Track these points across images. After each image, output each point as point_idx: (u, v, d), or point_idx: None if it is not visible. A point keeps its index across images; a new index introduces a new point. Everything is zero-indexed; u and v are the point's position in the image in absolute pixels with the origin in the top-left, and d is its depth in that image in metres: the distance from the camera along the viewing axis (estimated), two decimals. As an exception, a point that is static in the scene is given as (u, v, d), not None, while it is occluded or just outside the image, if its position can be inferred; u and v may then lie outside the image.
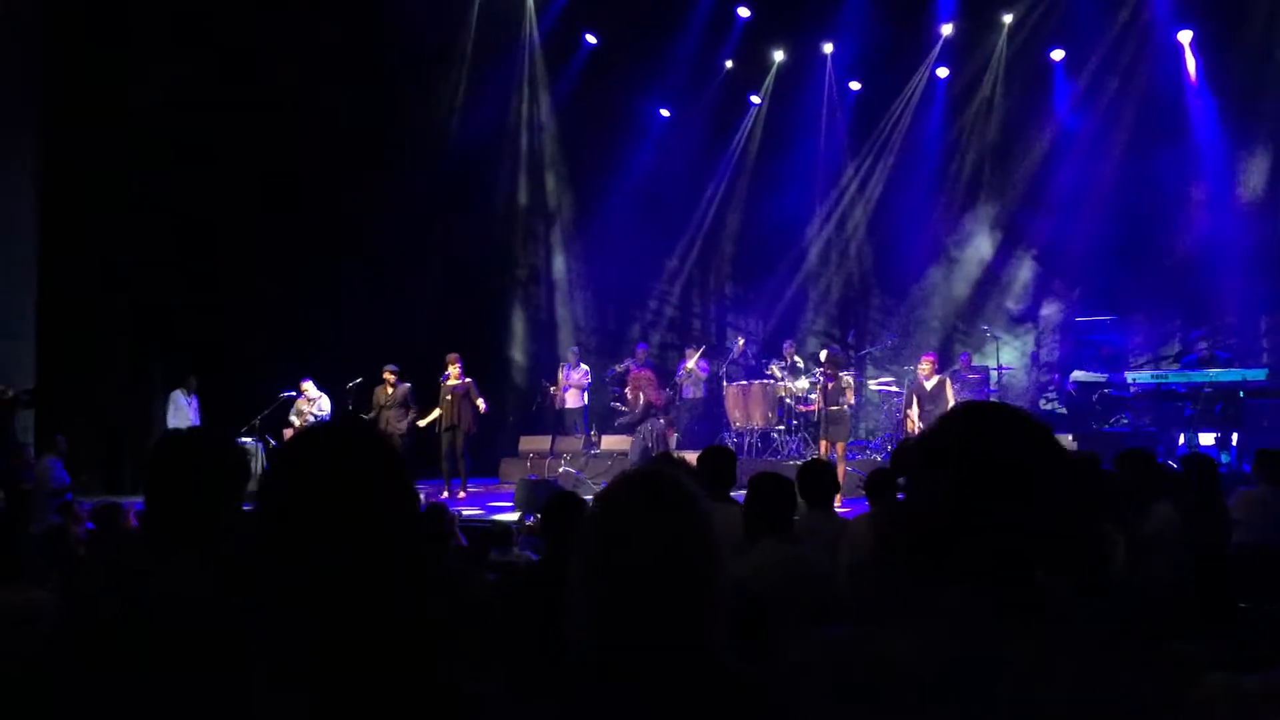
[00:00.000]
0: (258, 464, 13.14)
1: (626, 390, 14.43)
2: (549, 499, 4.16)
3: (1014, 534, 1.44)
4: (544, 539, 4.14)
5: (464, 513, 10.40)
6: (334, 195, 14.90)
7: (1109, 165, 15.07)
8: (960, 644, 1.40)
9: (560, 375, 14.87)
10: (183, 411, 13.86)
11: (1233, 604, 5.80)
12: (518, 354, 17.18)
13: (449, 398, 13.18)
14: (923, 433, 1.55)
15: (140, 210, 13.81)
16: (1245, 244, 13.77)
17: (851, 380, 12.85)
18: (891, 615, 1.46)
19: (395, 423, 13.16)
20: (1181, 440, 11.91)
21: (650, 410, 13.93)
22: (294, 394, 13.52)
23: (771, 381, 14.45)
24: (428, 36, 15.38)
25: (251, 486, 1.94)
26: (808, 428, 14.12)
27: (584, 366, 15.04)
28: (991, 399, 13.81)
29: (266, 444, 13.49)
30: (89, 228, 13.61)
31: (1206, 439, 11.73)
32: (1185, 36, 14.44)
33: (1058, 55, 15.48)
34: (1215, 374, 12.01)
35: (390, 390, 13.31)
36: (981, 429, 1.51)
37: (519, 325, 17.33)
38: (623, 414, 14.64)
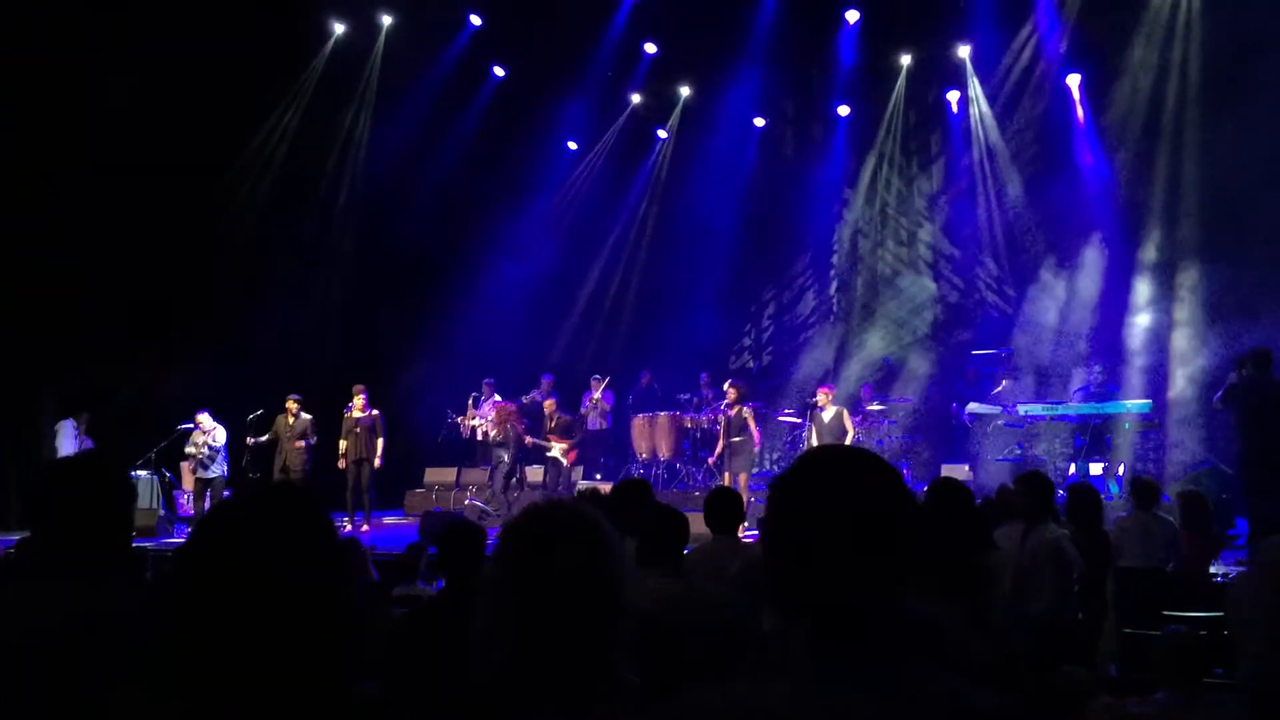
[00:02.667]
0: (154, 498, 12.83)
1: (491, 417, 14.00)
2: (443, 530, 4.12)
3: (867, 570, 1.47)
4: (441, 571, 4.11)
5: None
6: (239, 225, 14.67)
7: (1003, 201, 15.60)
8: (828, 689, 1.41)
9: (470, 407, 14.74)
10: (72, 442, 13.46)
11: (1115, 628, 6.02)
12: (424, 384, 17.01)
13: (357, 430, 13.04)
14: (776, 477, 1.58)
15: (33, 233, 13.39)
16: (1132, 280, 14.33)
17: (751, 412, 13.04)
18: (763, 665, 1.48)
19: (297, 453, 12.91)
20: (1072, 470, 12.30)
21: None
22: (191, 426, 13.22)
23: (677, 413, 14.57)
24: (334, 65, 15.33)
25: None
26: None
27: (497, 398, 14.94)
28: (889, 429, 14.11)
29: (162, 477, 13.17)
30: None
31: (1095, 468, 12.14)
32: (1074, 80, 15.02)
33: (953, 96, 15.98)
34: (1103, 405, 12.44)
35: (292, 420, 13.04)
36: (826, 473, 1.54)
37: (425, 354, 17.18)
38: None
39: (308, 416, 13.13)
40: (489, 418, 13.37)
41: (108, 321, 13.72)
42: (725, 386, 13.36)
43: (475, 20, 16.01)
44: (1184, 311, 13.70)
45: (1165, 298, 14.05)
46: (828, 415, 12.71)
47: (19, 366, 13.61)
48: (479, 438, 14.47)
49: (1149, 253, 14.30)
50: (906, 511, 1.51)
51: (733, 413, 12.65)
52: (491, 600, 1.71)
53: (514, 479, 13.27)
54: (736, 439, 12.51)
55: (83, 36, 12.94)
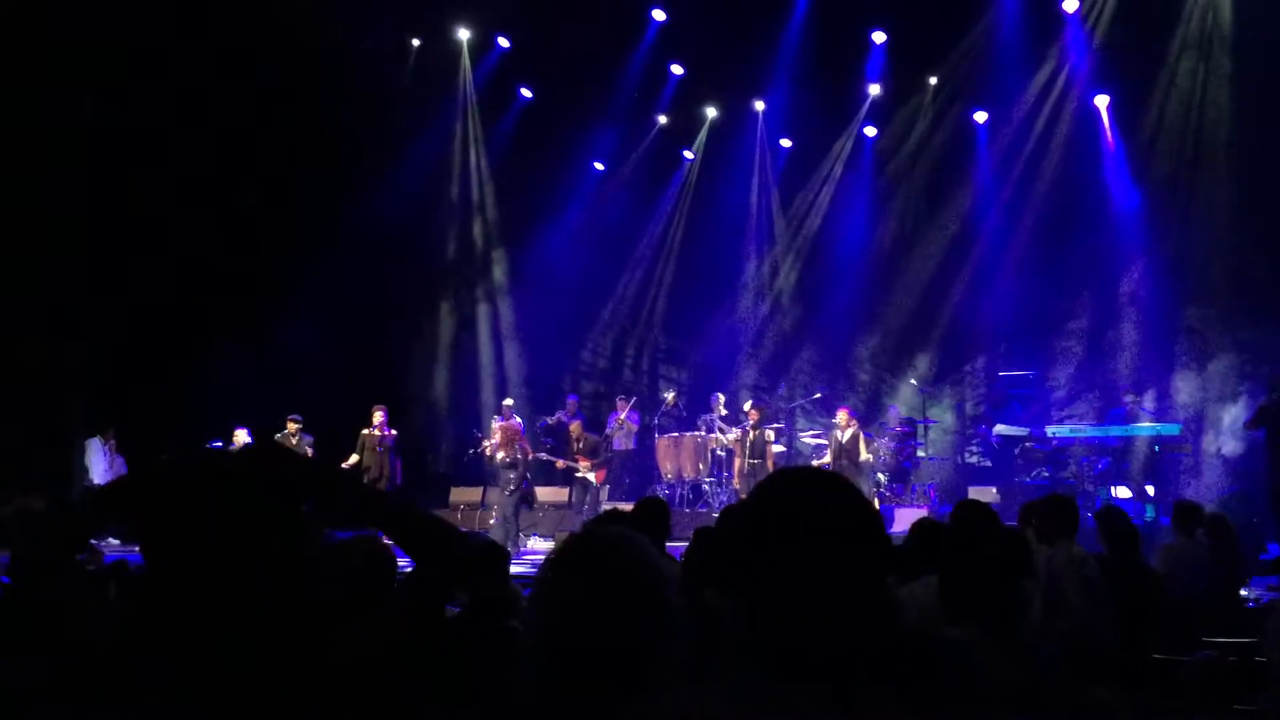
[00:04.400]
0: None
1: (496, 439, 13.69)
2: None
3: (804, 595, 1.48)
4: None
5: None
6: (261, 243, 14.77)
7: (1030, 223, 15.48)
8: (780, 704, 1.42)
9: (493, 426, 14.72)
10: (101, 459, 13.58)
11: (1150, 654, 5.93)
12: (450, 404, 17.05)
13: (379, 449, 13.07)
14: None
15: (58, 252, 13.49)
16: (1159, 300, 14.20)
17: (772, 434, 12.98)
18: (716, 677, 1.48)
19: None
20: (1100, 493, 12.17)
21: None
22: (221, 444, 13.28)
23: (702, 434, 14.51)
24: (364, 89, 15.46)
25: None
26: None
27: (517, 419, 14.92)
28: (918, 452, 14.02)
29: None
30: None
31: (1123, 492, 12.01)
32: (1102, 101, 14.89)
33: (980, 117, 15.89)
34: (1131, 428, 12.30)
35: (294, 440, 13.07)
36: (768, 495, 1.58)
37: (451, 375, 17.22)
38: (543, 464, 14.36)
39: (309, 437, 13.19)
40: (494, 439, 13.30)
41: (131, 336, 13.82)
42: (747, 407, 13.31)
43: (503, 42, 16.14)
44: (1219, 336, 13.58)
45: (1200, 321, 13.92)
46: (845, 436, 12.69)
47: (44, 385, 13.73)
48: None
49: (1184, 278, 14.16)
50: (863, 530, 1.52)
51: (755, 434, 12.58)
52: (532, 626, 1.72)
53: (521, 500, 13.13)
54: (756, 460, 12.44)
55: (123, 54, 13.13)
